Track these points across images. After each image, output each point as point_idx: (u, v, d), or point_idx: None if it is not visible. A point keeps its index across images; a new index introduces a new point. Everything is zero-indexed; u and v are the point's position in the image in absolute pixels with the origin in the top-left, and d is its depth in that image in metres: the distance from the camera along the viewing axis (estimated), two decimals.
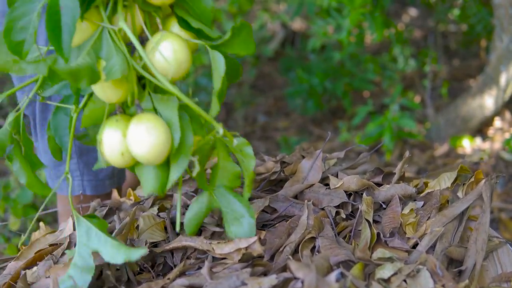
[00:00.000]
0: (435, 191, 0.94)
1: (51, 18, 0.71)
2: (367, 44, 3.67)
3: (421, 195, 0.95)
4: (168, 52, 0.77)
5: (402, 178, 1.01)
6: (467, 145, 2.49)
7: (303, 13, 3.34)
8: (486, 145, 2.48)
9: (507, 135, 2.49)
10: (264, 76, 3.55)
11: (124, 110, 0.80)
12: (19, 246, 0.98)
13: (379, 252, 0.80)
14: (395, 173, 1.01)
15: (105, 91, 0.78)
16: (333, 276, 0.70)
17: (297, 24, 3.87)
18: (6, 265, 0.96)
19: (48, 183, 1.32)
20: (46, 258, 0.92)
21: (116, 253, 0.77)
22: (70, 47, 0.71)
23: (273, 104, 3.24)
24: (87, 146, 1.18)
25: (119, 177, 1.36)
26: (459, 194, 0.95)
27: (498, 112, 2.56)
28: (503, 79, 2.39)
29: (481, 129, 2.58)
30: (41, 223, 1.04)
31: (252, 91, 3.33)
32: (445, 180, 0.98)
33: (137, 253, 0.75)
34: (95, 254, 0.80)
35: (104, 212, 1.07)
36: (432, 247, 0.83)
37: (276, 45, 3.66)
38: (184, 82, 2.76)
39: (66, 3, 0.71)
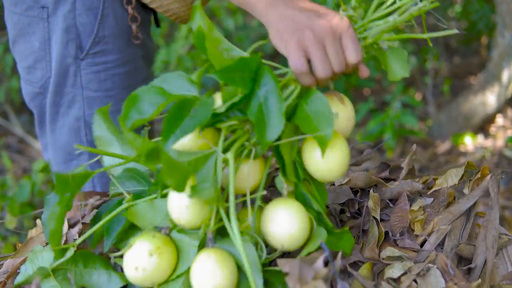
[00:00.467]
0: (442, 188, 0.92)
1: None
2: None
3: (429, 192, 0.93)
4: (282, 221, 0.72)
5: (410, 172, 0.99)
6: (469, 142, 2.48)
7: None
8: (489, 143, 2.46)
9: (509, 133, 2.47)
10: None
11: (169, 233, 0.77)
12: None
13: (388, 251, 0.78)
14: (401, 168, 0.98)
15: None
16: (320, 261, 0.67)
17: None
18: (3, 263, 0.94)
19: (54, 179, 1.29)
20: None
21: None
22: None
23: None
24: None
25: None
26: (465, 190, 0.93)
27: (500, 109, 2.54)
28: (505, 76, 2.38)
29: (483, 127, 2.56)
30: (37, 221, 1.02)
31: None
32: (452, 177, 0.95)
33: None
34: None
35: None
36: (440, 244, 0.81)
37: None
38: None
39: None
